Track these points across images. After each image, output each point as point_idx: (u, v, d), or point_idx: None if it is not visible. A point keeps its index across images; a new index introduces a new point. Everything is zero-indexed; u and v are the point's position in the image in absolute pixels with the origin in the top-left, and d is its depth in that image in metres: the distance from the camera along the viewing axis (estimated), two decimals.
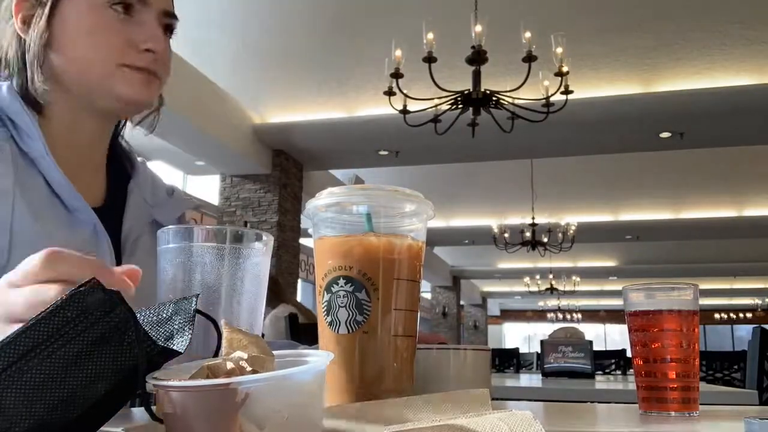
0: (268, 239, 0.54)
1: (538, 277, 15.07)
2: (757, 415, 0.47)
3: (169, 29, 0.96)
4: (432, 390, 0.87)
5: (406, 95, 4.47)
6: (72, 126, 0.93)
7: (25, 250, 0.80)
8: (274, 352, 0.46)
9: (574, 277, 15.14)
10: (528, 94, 4.34)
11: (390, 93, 4.37)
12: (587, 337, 3.17)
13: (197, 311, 0.44)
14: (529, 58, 4.04)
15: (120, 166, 1.03)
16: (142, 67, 0.90)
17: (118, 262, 0.92)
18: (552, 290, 14.31)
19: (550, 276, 14.39)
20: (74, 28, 0.89)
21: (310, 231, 0.61)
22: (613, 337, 22.95)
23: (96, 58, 0.88)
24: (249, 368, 0.40)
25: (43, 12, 0.88)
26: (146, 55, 0.90)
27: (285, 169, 8.00)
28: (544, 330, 21.05)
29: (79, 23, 0.89)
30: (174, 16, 0.96)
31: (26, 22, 0.90)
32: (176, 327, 0.43)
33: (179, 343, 0.42)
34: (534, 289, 15.05)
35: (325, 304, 0.57)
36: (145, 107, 0.96)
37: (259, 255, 0.52)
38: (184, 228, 0.51)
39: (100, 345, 0.40)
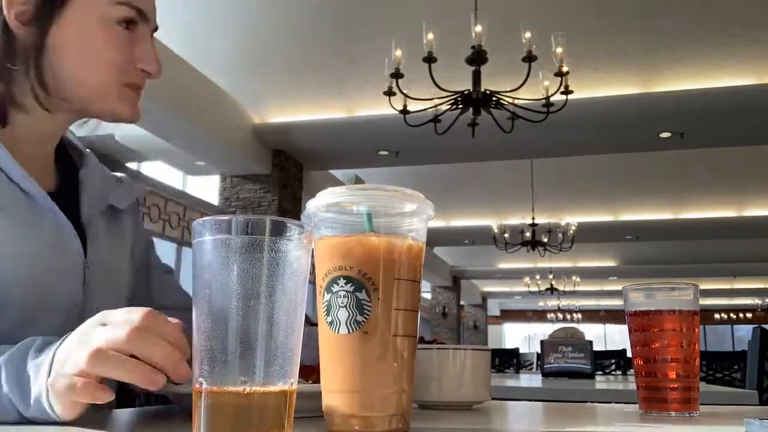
0: (307, 230, 0.52)
1: (538, 277, 15.07)
2: (758, 416, 0.47)
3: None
4: (432, 390, 0.87)
5: (406, 95, 4.47)
6: (35, 130, 0.92)
7: None
8: None
9: (574, 277, 15.13)
10: (528, 94, 4.34)
11: (390, 93, 4.37)
12: (587, 337, 3.17)
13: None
14: (529, 58, 4.04)
15: (67, 157, 1.03)
16: (135, 83, 0.92)
17: (84, 246, 0.92)
18: (552, 290, 14.31)
19: (550, 276, 14.39)
20: (80, 39, 0.87)
21: None
22: (613, 337, 22.95)
23: (100, 74, 0.88)
24: None
25: (46, 13, 0.85)
26: (142, 74, 0.92)
27: (285, 169, 8.00)
28: (544, 330, 21.05)
29: (86, 36, 0.87)
30: (156, 28, 0.97)
31: (22, 21, 0.85)
32: None
33: None
34: (534, 289, 15.05)
35: (326, 304, 0.57)
36: (133, 122, 0.98)
37: (299, 248, 0.51)
38: (222, 219, 0.49)
39: None
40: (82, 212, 0.95)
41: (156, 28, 0.97)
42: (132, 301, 1.04)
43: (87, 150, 1.06)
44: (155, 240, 1.23)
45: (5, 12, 0.85)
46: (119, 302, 1.00)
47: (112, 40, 0.88)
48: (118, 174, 1.10)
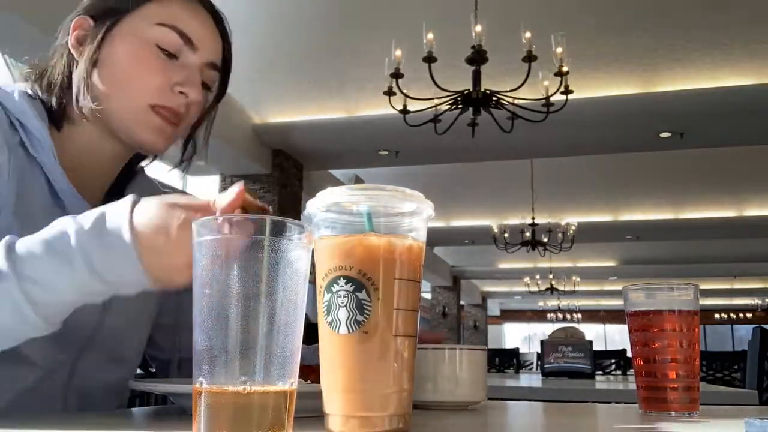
0: (307, 230, 0.52)
1: (538, 277, 15.06)
2: (758, 416, 0.47)
3: (209, 82, 0.97)
4: (429, 390, 0.87)
5: (406, 95, 4.47)
6: (88, 149, 0.94)
7: None
8: None
9: (574, 277, 15.13)
10: (528, 94, 4.34)
11: (390, 93, 4.37)
12: (587, 337, 3.17)
13: None
14: (529, 58, 4.04)
15: (120, 174, 1.04)
16: (170, 107, 0.91)
17: None
18: (552, 290, 14.30)
19: (550, 276, 14.39)
20: (119, 58, 0.89)
21: None
22: (613, 337, 22.95)
23: (130, 95, 0.89)
24: None
25: (97, 35, 0.89)
26: (179, 97, 0.91)
27: (285, 169, 8.00)
28: (544, 330, 21.05)
29: (125, 56, 0.89)
30: (217, 68, 0.97)
31: (80, 41, 0.91)
32: None
33: None
34: (534, 289, 15.05)
35: (325, 304, 0.57)
36: (154, 153, 0.99)
37: (299, 248, 0.51)
38: (221, 218, 0.49)
39: None
40: None
41: (215, 66, 0.96)
42: (159, 319, 1.05)
43: (139, 166, 1.08)
44: None
45: (70, 34, 0.91)
46: (141, 319, 1.01)
47: (149, 62, 0.89)
48: (169, 194, 1.11)
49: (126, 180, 1.04)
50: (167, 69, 0.90)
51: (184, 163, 1.06)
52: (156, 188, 1.10)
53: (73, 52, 0.91)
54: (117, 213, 0.67)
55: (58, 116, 0.91)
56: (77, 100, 0.88)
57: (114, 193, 1.02)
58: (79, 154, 0.93)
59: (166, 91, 0.90)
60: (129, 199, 0.69)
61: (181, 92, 0.91)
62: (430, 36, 4.11)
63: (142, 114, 0.90)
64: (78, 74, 0.89)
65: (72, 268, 0.65)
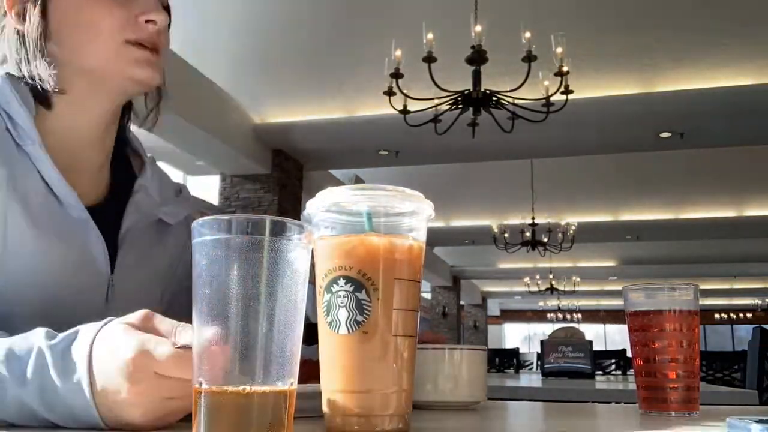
0: (307, 230, 0.52)
1: (538, 277, 15.06)
2: (743, 415, 0.47)
3: (164, 1, 0.94)
4: (429, 390, 0.87)
5: (406, 95, 4.47)
6: (73, 123, 0.90)
7: (16, 246, 0.79)
8: None
9: (574, 277, 15.13)
10: (528, 94, 4.34)
11: (390, 93, 4.37)
12: (587, 337, 3.17)
13: None
14: (529, 58, 4.04)
15: (126, 164, 1.01)
16: (145, 41, 0.88)
17: (113, 258, 0.91)
18: (552, 290, 14.30)
19: (550, 276, 14.39)
20: (70, 15, 0.86)
21: None
22: (613, 337, 22.95)
23: (98, 42, 0.86)
24: None
25: (35, 5, 0.86)
26: (148, 27, 0.88)
27: (285, 169, 8.00)
28: (544, 330, 21.06)
29: (75, 10, 0.86)
30: None
31: (20, 15, 0.87)
32: None
33: None
34: (534, 289, 15.05)
35: (325, 304, 0.57)
36: (151, 87, 0.94)
37: (299, 248, 0.51)
38: (222, 218, 0.49)
39: None
40: (122, 225, 0.93)
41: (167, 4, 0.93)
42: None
43: (149, 156, 1.04)
44: None
45: (9, 13, 0.87)
46: None
47: (101, 4, 0.86)
48: (178, 184, 1.08)
49: (125, 170, 1.01)
50: (122, 5, 0.87)
51: (151, 116, 1.01)
52: (166, 178, 1.07)
53: (18, 28, 0.87)
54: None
55: (42, 95, 0.87)
56: (38, 75, 0.85)
57: (123, 183, 0.98)
58: (59, 137, 0.89)
59: (133, 24, 0.87)
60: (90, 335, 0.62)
61: (147, 21, 0.88)
62: (430, 36, 4.11)
63: (120, 51, 0.86)
64: (30, 51, 0.85)
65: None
